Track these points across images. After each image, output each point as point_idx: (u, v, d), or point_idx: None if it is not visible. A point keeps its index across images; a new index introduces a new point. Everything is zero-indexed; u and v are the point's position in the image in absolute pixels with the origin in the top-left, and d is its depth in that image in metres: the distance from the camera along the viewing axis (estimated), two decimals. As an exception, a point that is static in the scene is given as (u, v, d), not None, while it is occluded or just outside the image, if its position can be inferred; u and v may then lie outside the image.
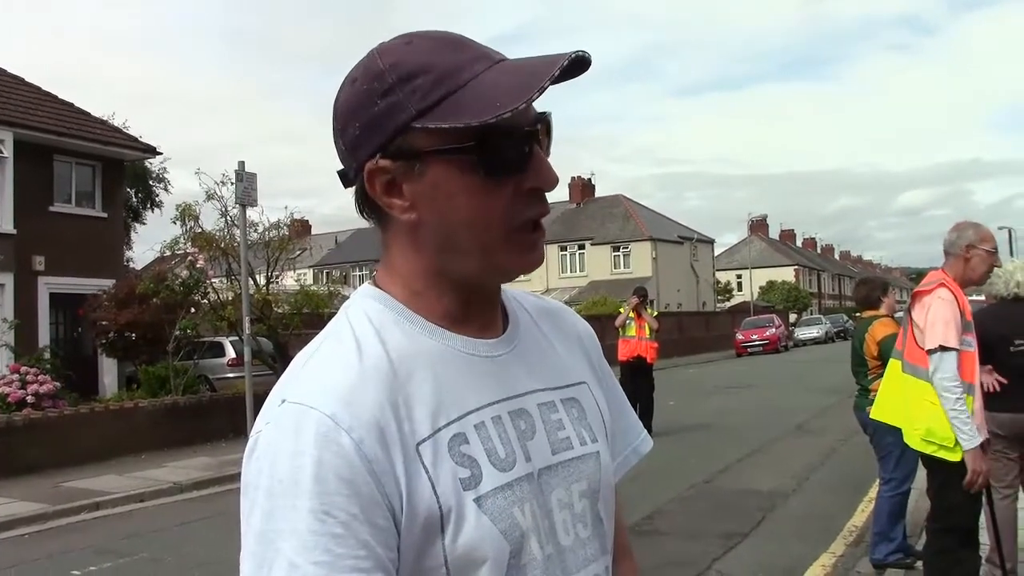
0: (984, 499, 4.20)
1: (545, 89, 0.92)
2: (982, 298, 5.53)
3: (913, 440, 4.12)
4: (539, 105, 1.02)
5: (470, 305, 1.06)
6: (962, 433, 3.84)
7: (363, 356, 0.98)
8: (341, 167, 1.06)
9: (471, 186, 0.98)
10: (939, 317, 3.93)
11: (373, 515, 0.89)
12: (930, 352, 3.93)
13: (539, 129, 1.01)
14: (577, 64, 0.97)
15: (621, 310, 13.00)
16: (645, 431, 1.32)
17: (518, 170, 0.99)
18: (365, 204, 1.05)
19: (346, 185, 1.06)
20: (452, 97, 0.95)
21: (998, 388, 4.53)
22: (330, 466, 0.89)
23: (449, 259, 1.02)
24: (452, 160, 0.97)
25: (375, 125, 0.98)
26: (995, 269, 4.35)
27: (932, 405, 3.95)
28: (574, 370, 1.17)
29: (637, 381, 11.94)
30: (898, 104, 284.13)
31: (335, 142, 1.05)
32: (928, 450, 4.02)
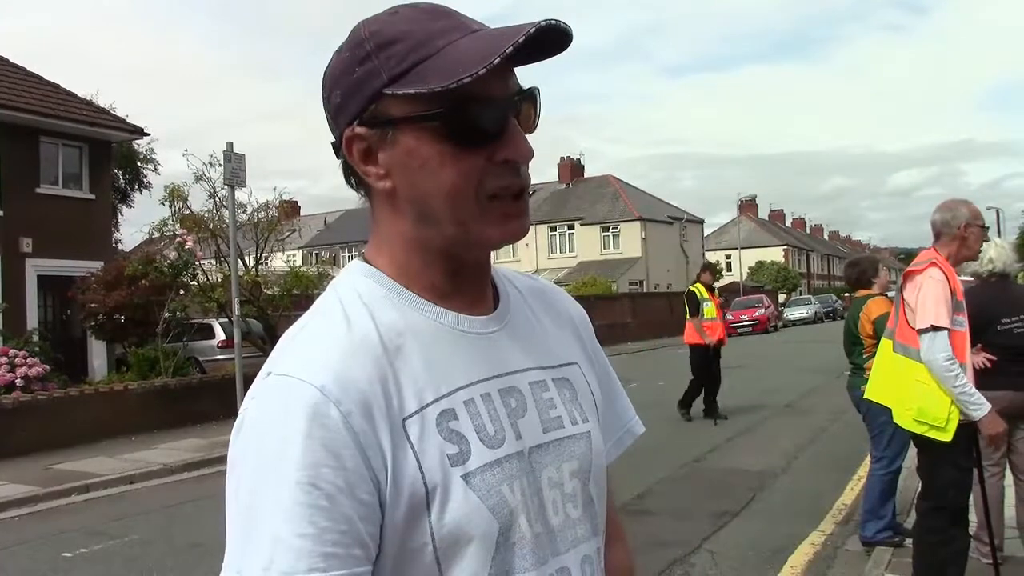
0: (976, 477, 4.22)
1: (506, 54, 0.91)
2: (970, 278, 5.55)
3: (904, 420, 4.13)
4: (528, 81, 1.02)
5: (457, 278, 1.05)
6: (971, 405, 3.84)
7: (352, 331, 0.98)
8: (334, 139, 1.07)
9: (441, 154, 0.97)
10: (930, 297, 3.93)
11: (358, 489, 0.89)
12: (921, 332, 3.92)
13: (518, 102, 1.00)
14: (556, 37, 0.96)
15: (694, 289, 12.22)
16: (636, 415, 1.31)
17: (488, 139, 0.98)
18: (351, 173, 1.05)
19: (338, 156, 1.06)
20: (423, 64, 0.95)
21: (988, 366, 4.55)
22: (318, 438, 0.88)
23: (427, 229, 1.01)
24: (423, 127, 0.97)
25: (353, 92, 0.99)
26: None
27: (923, 385, 3.95)
28: (565, 350, 1.16)
29: (717, 363, 11.91)
30: (892, 84, 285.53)
31: (324, 112, 1.05)
32: (920, 430, 4.03)
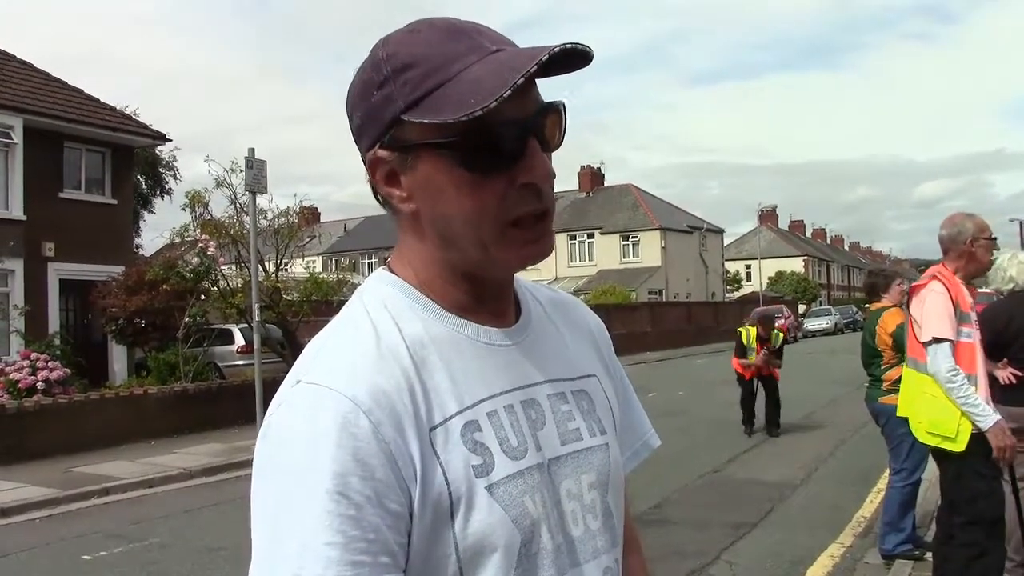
0: (1010, 489, 4.19)
1: (518, 85, 0.89)
2: (988, 290, 5.51)
3: (919, 432, 4.15)
4: (551, 87, 1.01)
5: (481, 294, 1.05)
6: (977, 416, 3.83)
7: (380, 340, 0.98)
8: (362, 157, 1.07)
9: (459, 181, 0.96)
10: (932, 310, 3.97)
11: (386, 498, 0.89)
12: (926, 344, 3.96)
13: (539, 121, 0.98)
14: (573, 56, 0.95)
15: (743, 331, 12.19)
16: (652, 428, 1.31)
17: (506, 164, 0.96)
18: (377, 191, 1.06)
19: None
20: (439, 91, 0.94)
21: (1014, 381, 4.51)
22: (347, 447, 0.88)
23: (450, 251, 1.02)
24: (440, 154, 0.96)
25: (373, 116, 0.99)
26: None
27: (932, 398, 3.97)
28: (584, 362, 1.17)
29: (765, 384, 11.84)
30: (920, 94, 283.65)
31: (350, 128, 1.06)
32: (933, 442, 4.04)
